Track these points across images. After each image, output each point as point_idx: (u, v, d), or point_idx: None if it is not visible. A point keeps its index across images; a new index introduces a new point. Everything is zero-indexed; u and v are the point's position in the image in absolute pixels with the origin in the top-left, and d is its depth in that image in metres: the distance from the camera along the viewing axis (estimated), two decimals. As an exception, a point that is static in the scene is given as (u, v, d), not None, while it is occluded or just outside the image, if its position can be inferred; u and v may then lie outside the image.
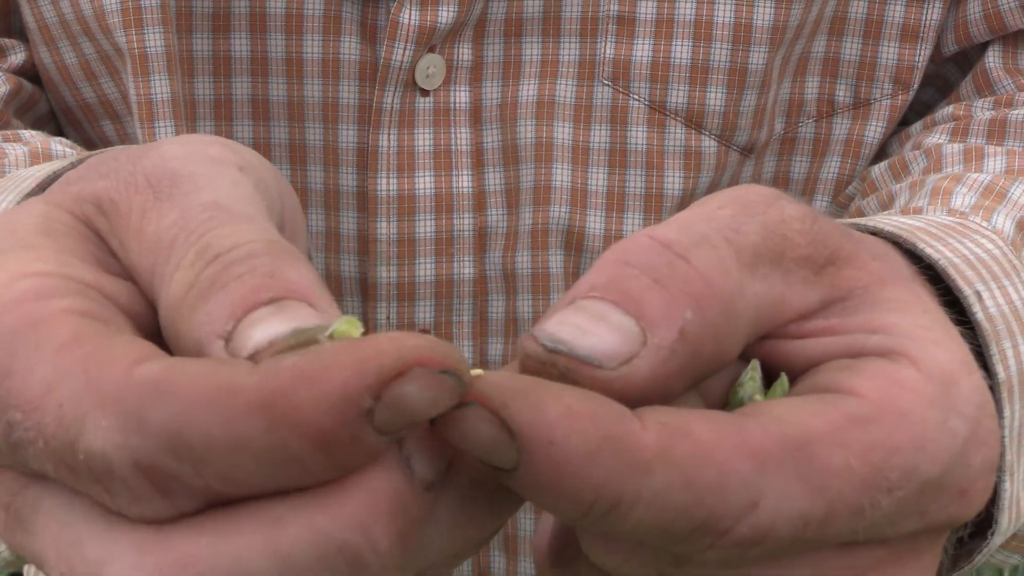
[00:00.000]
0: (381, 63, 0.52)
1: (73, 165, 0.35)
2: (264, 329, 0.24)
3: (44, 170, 0.36)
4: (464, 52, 0.54)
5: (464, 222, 0.54)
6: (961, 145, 0.56)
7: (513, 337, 0.55)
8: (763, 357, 0.29)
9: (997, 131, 0.57)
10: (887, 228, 0.36)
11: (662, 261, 0.26)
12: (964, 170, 0.53)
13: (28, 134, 0.52)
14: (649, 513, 0.24)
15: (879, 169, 0.58)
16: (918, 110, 0.64)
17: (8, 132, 0.52)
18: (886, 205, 0.54)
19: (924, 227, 0.38)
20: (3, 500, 0.26)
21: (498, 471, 0.24)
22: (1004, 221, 0.46)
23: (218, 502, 0.23)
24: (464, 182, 0.54)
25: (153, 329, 0.27)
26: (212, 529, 0.23)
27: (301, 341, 0.24)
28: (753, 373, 0.28)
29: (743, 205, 0.28)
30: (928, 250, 0.35)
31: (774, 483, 0.24)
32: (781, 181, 0.59)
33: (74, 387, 0.23)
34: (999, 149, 0.54)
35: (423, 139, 0.54)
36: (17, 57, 0.58)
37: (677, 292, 0.26)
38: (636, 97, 0.55)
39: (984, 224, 0.46)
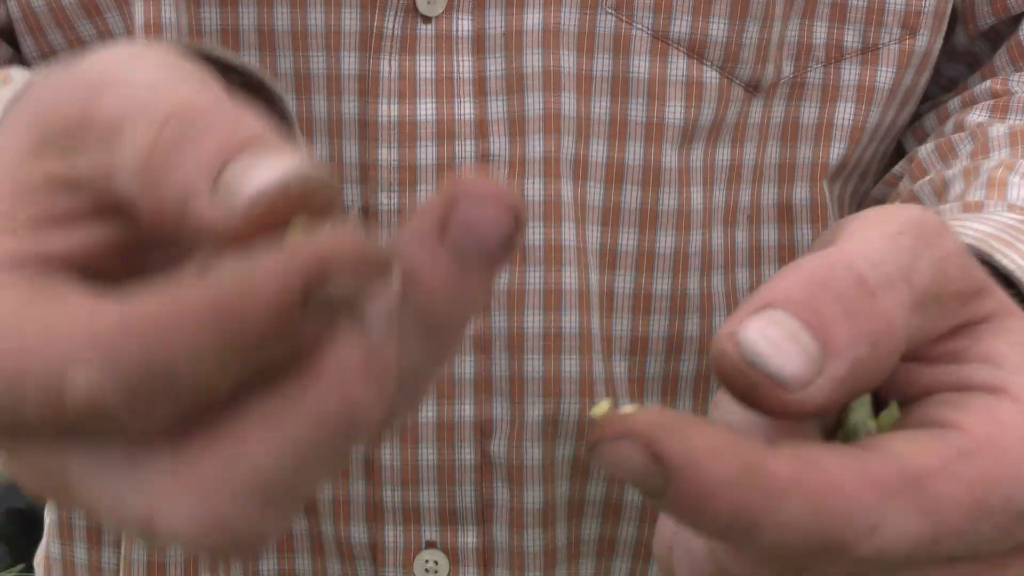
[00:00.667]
0: None
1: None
2: (256, 175, 0.26)
3: (13, 86, 0.37)
4: None
5: (466, 149, 0.54)
6: (1005, 126, 0.56)
7: (519, 264, 0.55)
8: None
9: None
10: (964, 240, 0.39)
11: (854, 294, 0.29)
12: (1011, 154, 0.54)
13: None
14: (781, 535, 0.27)
15: (926, 150, 0.59)
16: (944, 85, 0.64)
17: None
18: (940, 191, 0.55)
19: (994, 232, 0.41)
20: (36, 472, 0.28)
21: (650, 495, 0.28)
22: None
23: (202, 407, 0.26)
24: (466, 109, 0.54)
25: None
26: (227, 448, 0.26)
27: (294, 190, 0.26)
28: (864, 398, 0.31)
29: (920, 235, 0.30)
30: (1004, 261, 0.39)
31: (893, 510, 0.28)
32: (791, 125, 0.58)
33: (43, 348, 0.26)
34: None
35: (424, 66, 0.54)
36: None
37: (861, 328, 0.28)
38: (639, 26, 0.55)
39: None
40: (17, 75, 0.47)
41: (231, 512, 0.26)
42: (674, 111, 0.55)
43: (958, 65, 0.63)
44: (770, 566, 0.30)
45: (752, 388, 0.28)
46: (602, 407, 0.29)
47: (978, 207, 0.50)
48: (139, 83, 0.29)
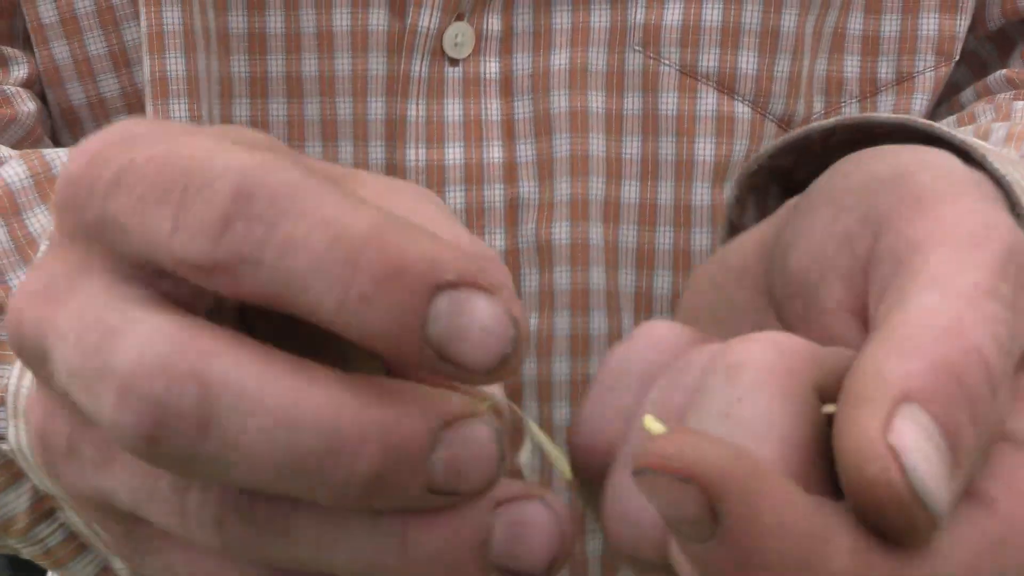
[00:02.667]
0: (407, 31, 0.52)
1: None
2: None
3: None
4: (494, 22, 0.53)
5: (495, 194, 0.53)
6: None
7: (547, 311, 0.54)
8: None
9: None
10: (956, 141, 0.34)
11: (983, 393, 0.24)
12: None
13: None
14: None
15: (947, 122, 0.57)
16: (946, 91, 0.63)
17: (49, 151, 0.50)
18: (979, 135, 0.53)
19: (994, 150, 0.36)
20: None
21: (681, 536, 0.23)
22: None
23: None
24: (495, 153, 0.53)
25: None
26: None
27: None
28: None
29: (1018, 280, 0.26)
30: (996, 164, 0.33)
31: None
32: None
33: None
34: None
35: (452, 109, 0.53)
36: (21, 71, 0.56)
37: (982, 436, 0.25)
38: (667, 62, 0.54)
39: None
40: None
41: None
42: (705, 148, 0.55)
43: (961, 67, 0.63)
44: None
45: (911, 526, 0.24)
46: (655, 424, 0.25)
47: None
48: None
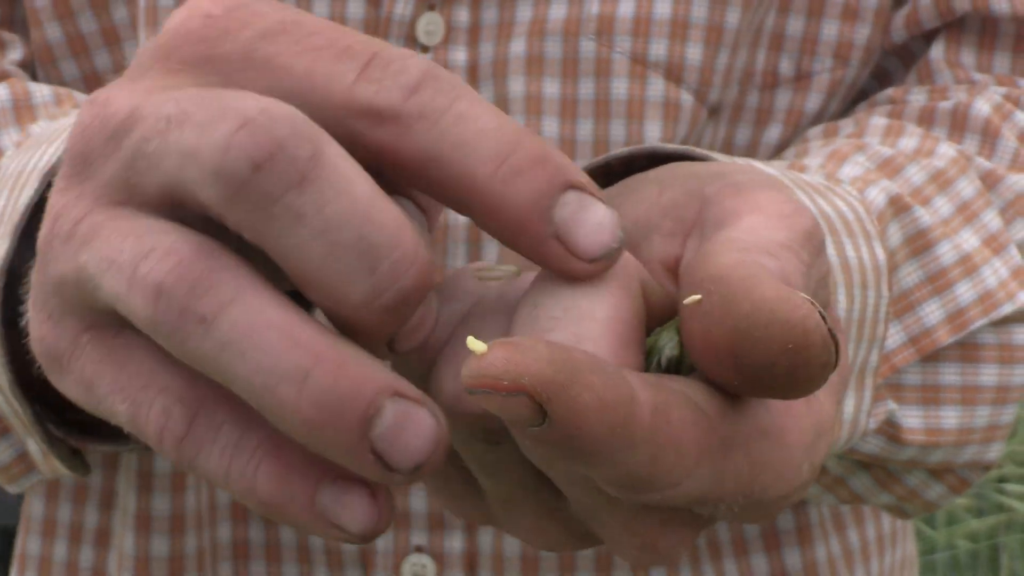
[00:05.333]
0: (383, 19, 0.56)
1: None
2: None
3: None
4: (461, 14, 0.57)
5: None
6: (888, 121, 0.59)
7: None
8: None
9: (926, 119, 0.60)
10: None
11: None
12: (880, 143, 0.57)
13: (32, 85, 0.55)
14: (611, 473, 0.29)
15: (815, 131, 0.61)
16: (856, 98, 0.67)
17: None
18: (800, 153, 0.58)
19: (779, 177, 0.42)
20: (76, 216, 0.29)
21: (521, 431, 0.28)
22: (878, 194, 0.50)
23: None
24: None
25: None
26: None
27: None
28: (673, 332, 0.32)
29: (812, 256, 0.32)
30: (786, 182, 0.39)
31: (699, 473, 0.30)
32: (726, 146, 0.61)
33: None
34: (918, 131, 0.57)
35: None
36: (16, 53, 0.61)
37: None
38: (619, 51, 0.57)
39: (853, 192, 0.50)
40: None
41: None
42: (653, 129, 0.58)
43: (872, 83, 0.66)
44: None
45: (828, 362, 0.29)
46: (477, 344, 0.28)
47: (800, 169, 0.53)
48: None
